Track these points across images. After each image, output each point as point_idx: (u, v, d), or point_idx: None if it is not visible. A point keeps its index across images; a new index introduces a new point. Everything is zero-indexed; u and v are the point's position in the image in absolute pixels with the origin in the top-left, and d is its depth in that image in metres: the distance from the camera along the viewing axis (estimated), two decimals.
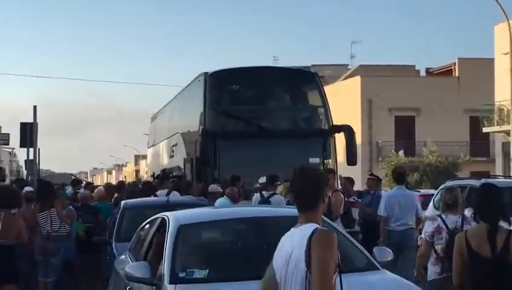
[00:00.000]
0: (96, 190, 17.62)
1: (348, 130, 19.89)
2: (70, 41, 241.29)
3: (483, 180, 12.14)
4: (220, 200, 13.31)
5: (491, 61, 37.83)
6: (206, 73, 20.90)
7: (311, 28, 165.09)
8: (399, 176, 13.74)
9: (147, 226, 8.46)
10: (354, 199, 15.15)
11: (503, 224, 6.47)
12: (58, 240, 12.07)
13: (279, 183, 13.71)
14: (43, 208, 12.20)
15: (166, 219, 7.52)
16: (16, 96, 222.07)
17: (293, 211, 9.40)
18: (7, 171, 76.01)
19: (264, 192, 13.24)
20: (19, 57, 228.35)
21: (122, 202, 13.23)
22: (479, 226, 6.49)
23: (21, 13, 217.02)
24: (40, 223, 12.01)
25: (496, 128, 35.56)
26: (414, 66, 55.20)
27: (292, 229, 5.06)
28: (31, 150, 24.02)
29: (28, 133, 23.06)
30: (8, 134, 54.35)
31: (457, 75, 48.63)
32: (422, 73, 54.25)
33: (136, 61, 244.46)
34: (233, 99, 21.58)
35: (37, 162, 25.80)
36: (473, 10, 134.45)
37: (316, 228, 4.59)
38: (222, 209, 10.85)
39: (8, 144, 57.77)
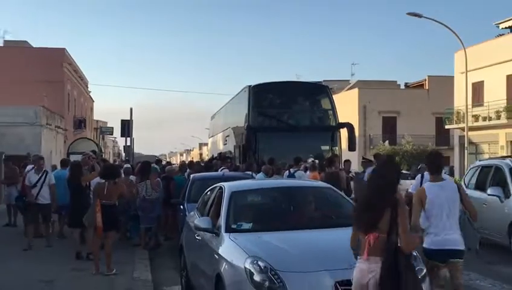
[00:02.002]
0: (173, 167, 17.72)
1: (350, 126, 19.81)
2: (159, 58, 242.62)
3: (508, 160, 12.01)
4: (258, 175, 13.31)
5: (451, 78, 37.24)
6: (250, 85, 20.94)
7: (324, 53, 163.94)
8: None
9: (209, 192, 8.44)
10: (352, 175, 15.15)
11: None
12: (151, 201, 12.22)
13: (302, 163, 13.63)
14: (142, 179, 12.55)
15: (223, 187, 7.51)
16: (119, 100, 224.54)
17: (308, 182, 9.47)
18: (111, 154, 77.05)
19: (291, 169, 13.19)
20: (122, 69, 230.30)
21: (192, 175, 13.26)
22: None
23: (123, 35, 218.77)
24: (140, 189, 12.30)
25: (454, 126, 35.10)
26: (396, 81, 54.57)
27: (430, 183, 6.31)
28: (128, 138, 24.27)
29: (126, 127, 23.30)
30: (112, 127, 55.10)
31: (427, 88, 48.03)
32: (402, 86, 53.54)
33: (201, 76, 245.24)
34: (269, 104, 21.59)
35: (132, 147, 26.01)
36: (438, 41, 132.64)
37: (454, 183, 6.68)
38: (262, 180, 10.85)
39: (112, 134, 58.56)
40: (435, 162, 6.43)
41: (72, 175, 11.40)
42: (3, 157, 23.40)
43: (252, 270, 5.49)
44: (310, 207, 7.59)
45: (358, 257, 4.70)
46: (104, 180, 9.74)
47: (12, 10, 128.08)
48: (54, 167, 20.19)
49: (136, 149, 45.71)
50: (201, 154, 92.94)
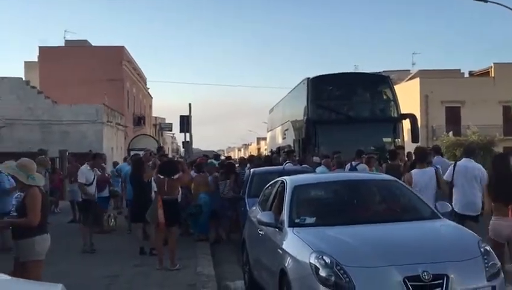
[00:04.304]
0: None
1: (412, 117, 19.47)
2: (218, 55, 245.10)
3: None
4: (319, 168, 13.19)
5: None
6: (308, 78, 20.79)
7: (383, 43, 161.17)
8: (437, 150, 13.23)
9: (271, 186, 8.41)
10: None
11: None
12: (227, 199, 12.68)
13: (364, 155, 13.40)
14: (225, 178, 12.96)
15: (285, 181, 7.48)
16: (176, 97, 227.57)
17: (371, 175, 9.36)
18: (170, 150, 78.46)
19: (353, 162, 13.00)
20: (179, 65, 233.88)
21: (252, 169, 13.27)
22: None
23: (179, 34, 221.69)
24: (220, 188, 12.83)
25: None
26: (459, 69, 52.88)
27: (416, 170, 9.05)
28: (187, 134, 24.51)
29: (185, 123, 23.54)
30: (171, 123, 56.01)
31: (493, 75, 46.47)
32: (466, 74, 51.97)
33: (258, 70, 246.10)
34: (329, 96, 21.43)
35: (191, 143, 26.27)
36: (505, 26, 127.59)
37: (433, 168, 9.21)
38: (324, 174, 10.75)
39: (171, 130, 59.57)
40: (420, 155, 9.27)
41: (134, 171, 11.62)
42: (68, 154, 24.18)
43: (317, 265, 5.42)
44: (375, 200, 7.47)
45: (497, 217, 7.01)
46: (163, 176, 9.87)
47: (72, 9, 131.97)
48: (115, 164, 20.73)
49: (195, 145, 46.21)
50: (259, 149, 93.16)
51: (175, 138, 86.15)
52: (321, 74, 21.38)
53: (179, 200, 10.46)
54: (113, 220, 14.63)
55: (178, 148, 77.23)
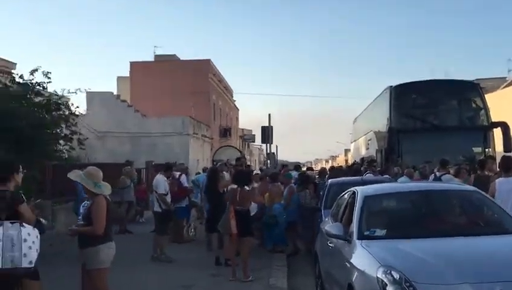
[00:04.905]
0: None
1: (504, 125, 18.51)
2: (298, 66, 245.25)
3: None
4: (401, 179, 12.76)
5: None
6: (391, 86, 20.27)
7: (475, 51, 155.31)
8: None
9: (342, 197, 8.12)
10: None
11: None
12: (308, 209, 12.33)
13: (450, 166, 12.73)
14: (303, 188, 12.72)
15: (356, 192, 7.18)
16: (266, 108, 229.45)
17: (448, 185, 8.84)
18: (257, 161, 79.03)
19: (437, 172, 12.39)
20: (268, 77, 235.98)
21: (329, 181, 13.00)
22: None
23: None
24: (300, 197, 12.54)
25: None
26: None
27: (501, 179, 8.78)
28: (270, 145, 24.50)
29: (267, 133, 23.55)
30: (254, 135, 56.43)
31: None
32: None
33: (347, 79, 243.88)
34: (413, 104, 20.79)
35: (276, 154, 26.20)
36: None
37: None
38: (397, 184, 10.35)
39: (254, 141, 60.03)
40: (506, 164, 8.92)
41: (208, 181, 11.62)
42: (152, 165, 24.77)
43: (385, 280, 5.10)
44: (452, 212, 7.00)
45: None
46: (236, 186, 9.79)
47: (160, 24, 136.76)
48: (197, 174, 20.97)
49: (283, 156, 46.30)
50: (346, 161, 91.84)
51: (262, 149, 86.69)
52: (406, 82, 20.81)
53: (255, 211, 10.35)
54: (193, 230, 14.74)
55: (265, 160, 77.62)
